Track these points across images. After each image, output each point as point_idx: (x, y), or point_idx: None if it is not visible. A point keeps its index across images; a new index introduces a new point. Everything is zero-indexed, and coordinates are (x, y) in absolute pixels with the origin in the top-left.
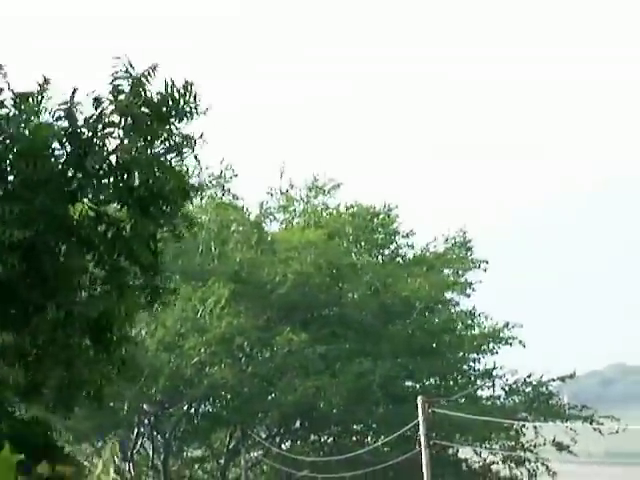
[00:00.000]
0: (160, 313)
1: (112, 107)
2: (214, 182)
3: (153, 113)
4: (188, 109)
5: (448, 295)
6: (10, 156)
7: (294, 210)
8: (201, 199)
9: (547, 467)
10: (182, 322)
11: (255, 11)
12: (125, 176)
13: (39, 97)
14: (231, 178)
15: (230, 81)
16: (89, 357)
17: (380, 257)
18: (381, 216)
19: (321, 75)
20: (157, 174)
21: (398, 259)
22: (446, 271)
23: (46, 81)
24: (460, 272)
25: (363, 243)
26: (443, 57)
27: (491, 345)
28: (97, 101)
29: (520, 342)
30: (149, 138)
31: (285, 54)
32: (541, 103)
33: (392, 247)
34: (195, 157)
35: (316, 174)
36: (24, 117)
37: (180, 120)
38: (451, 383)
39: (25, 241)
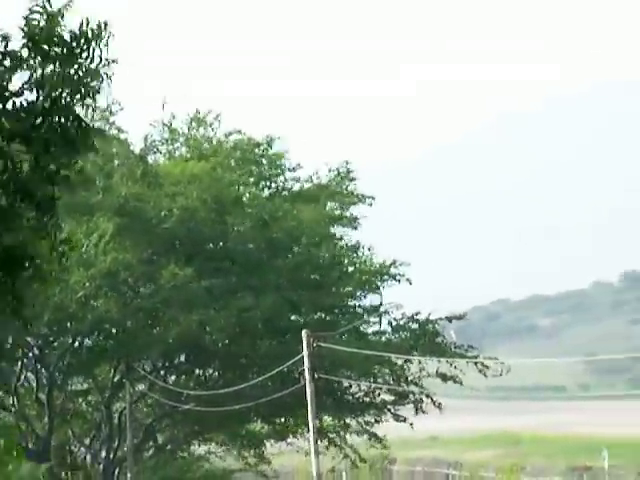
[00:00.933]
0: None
1: (23, 41)
2: (99, 115)
3: (63, 52)
4: (99, 53)
5: (334, 230)
6: None
7: (177, 141)
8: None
9: (432, 399)
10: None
11: None
12: (29, 114)
13: None
14: (117, 112)
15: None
16: None
17: (266, 190)
18: (263, 146)
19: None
20: (62, 117)
21: (284, 192)
22: (331, 204)
23: None
24: (345, 206)
25: (249, 178)
26: None
27: (378, 282)
28: (5, 38)
29: (407, 280)
30: (56, 77)
31: None
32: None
33: (279, 180)
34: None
35: (197, 107)
36: None
37: (90, 62)
38: (338, 317)
39: None
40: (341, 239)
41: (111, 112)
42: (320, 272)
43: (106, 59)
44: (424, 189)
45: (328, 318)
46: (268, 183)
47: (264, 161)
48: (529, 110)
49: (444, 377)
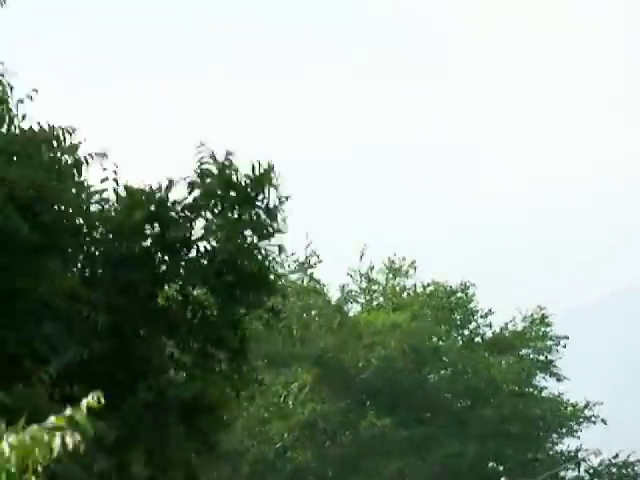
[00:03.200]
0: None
1: (200, 190)
2: (297, 267)
3: (239, 196)
4: (273, 193)
5: (534, 380)
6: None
7: (374, 292)
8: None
9: None
10: (265, 407)
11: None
12: (213, 260)
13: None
14: (315, 265)
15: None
16: (180, 439)
17: (460, 337)
18: (458, 294)
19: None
20: (243, 261)
21: (477, 339)
22: (525, 350)
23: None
24: (541, 351)
25: (443, 325)
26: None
27: (574, 425)
28: (191, 185)
29: (602, 420)
30: (235, 221)
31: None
32: None
33: (471, 327)
34: (280, 247)
35: (393, 255)
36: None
37: (266, 205)
38: (537, 465)
39: (110, 324)
40: (542, 391)
41: (309, 264)
42: (520, 421)
43: (279, 197)
44: (618, 325)
45: (527, 465)
46: (461, 330)
47: (458, 308)
48: None
49: None
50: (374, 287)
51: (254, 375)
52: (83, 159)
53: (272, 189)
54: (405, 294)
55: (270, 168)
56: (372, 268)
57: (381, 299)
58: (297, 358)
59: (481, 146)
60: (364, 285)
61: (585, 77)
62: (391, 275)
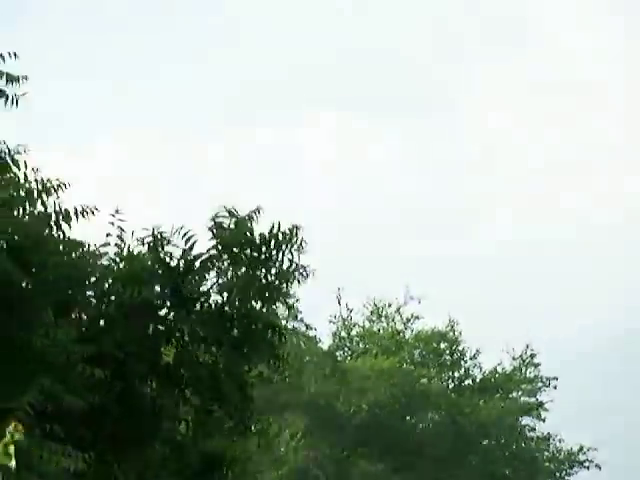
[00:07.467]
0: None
1: (213, 243)
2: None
3: (253, 256)
4: (290, 255)
5: (523, 421)
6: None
7: (362, 337)
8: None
9: None
10: (258, 454)
11: None
12: (221, 315)
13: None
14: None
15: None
16: None
17: (450, 380)
18: (447, 336)
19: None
20: (252, 318)
21: (467, 381)
22: (515, 393)
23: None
24: (531, 394)
25: (431, 366)
26: None
27: (567, 469)
28: (189, 239)
29: (596, 466)
30: (248, 278)
31: None
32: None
33: (461, 371)
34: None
35: (373, 298)
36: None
37: (281, 266)
38: None
39: (107, 380)
40: (531, 429)
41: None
42: (513, 465)
43: (296, 264)
44: (614, 364)
45: None
46: (450, 373)
47: (447, 350)
48: None
49: None
50: (362, 333)
51: (259, 426)
52: (76, 211)
53: (295, 252)
54: (391, 338)
55: (293, 231)
56: (351, 311)
57: (369, 344)
58: (289, 405)
59: None
60: (353, 332)
61: None
62: (375, 318)
